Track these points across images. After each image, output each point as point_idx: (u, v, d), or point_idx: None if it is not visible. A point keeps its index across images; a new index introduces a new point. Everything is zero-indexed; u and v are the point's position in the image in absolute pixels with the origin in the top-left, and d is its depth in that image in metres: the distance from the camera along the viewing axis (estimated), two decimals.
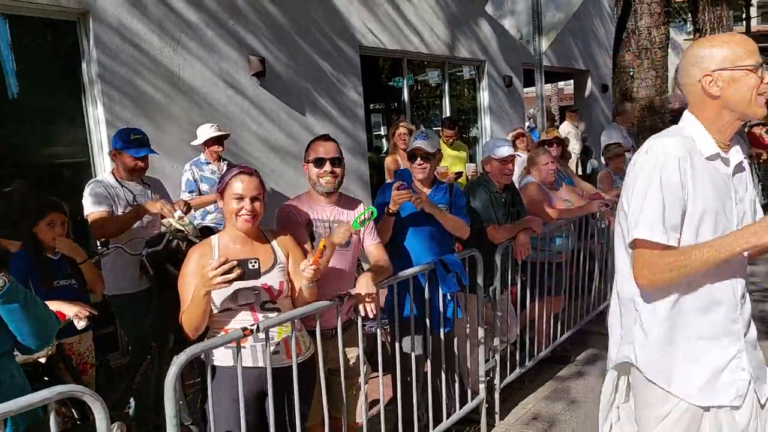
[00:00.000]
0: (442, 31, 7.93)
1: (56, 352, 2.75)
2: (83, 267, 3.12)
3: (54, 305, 2.45)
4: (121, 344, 4.64)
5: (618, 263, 1.90)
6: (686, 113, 1.83)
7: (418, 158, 3.20)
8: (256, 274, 2.12)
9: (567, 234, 4.39)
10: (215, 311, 2.26)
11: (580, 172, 9.39)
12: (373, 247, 2.86)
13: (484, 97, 8.84)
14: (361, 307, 2.52)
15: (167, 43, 5.01)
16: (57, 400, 1.65)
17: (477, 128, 8.95)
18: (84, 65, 4.62)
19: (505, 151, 3.75)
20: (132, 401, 3.24)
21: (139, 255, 3.15)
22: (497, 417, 3.64)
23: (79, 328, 2.73)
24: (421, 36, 7.60)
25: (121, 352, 4.63)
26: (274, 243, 2.44)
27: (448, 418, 3.28)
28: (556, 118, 11.30)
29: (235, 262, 2.06)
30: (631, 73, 7.77)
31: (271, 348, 2.26)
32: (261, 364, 2.27)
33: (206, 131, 4.77)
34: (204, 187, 4.62)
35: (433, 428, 3.19)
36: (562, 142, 5.48)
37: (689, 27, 16.64)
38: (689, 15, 14.11)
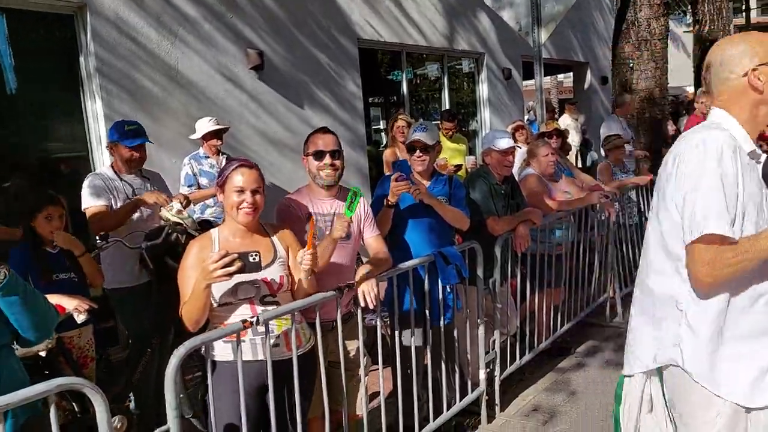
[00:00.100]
0: (441, 24, 7.90)
1: (56, 346, 2.76)
2: (82, 260, 3.12)
3: (53, 298, 2.45)
4: (121, 338, 4.64)
5: (653, 262, 1.84)
6: (716, 110, 1.81)
7: (417, 150, 3.19)
8: (257, 267, 2.12)
9: (567, 226, 4.39)
10: (215, 305, 2.26)
11: (579, 165, 9.38)
12: (372, 239, 2.86)
13: (483, 89, 8.82)
14: (361, 298, 2.53)
15: (165, 36, 4.99)
16: (57, 394, 1.65)
17: (476, 121, 8.94)
18: (82, 59, 4.61)
19: (505, 142, 3.74)
20: (132, 395, 3.25)
21: (139, 248, 3.15)
22: (497, 408, 3.64)
23: (78, 322, 2.73)
24: (419, 28, 7.57)
25: (121, 346, 4.63)
26: (274, 237, 2.44)
27: (448, 409, 3.28)
28: (556, 110, 11.27)
29: (236, 255, 2.06)
30: (631, 65, 7.75)
31: (271, 341, 2.26)
32: (261, 357, 2.27)
33: (205, 125, 4.75)
34: (203, 181, 4.61)
35: (434, 420, 3.20)
36: (562, 134, 5.47)
37: (689, 18, 16.59)
38: (688, 6, 14.06)
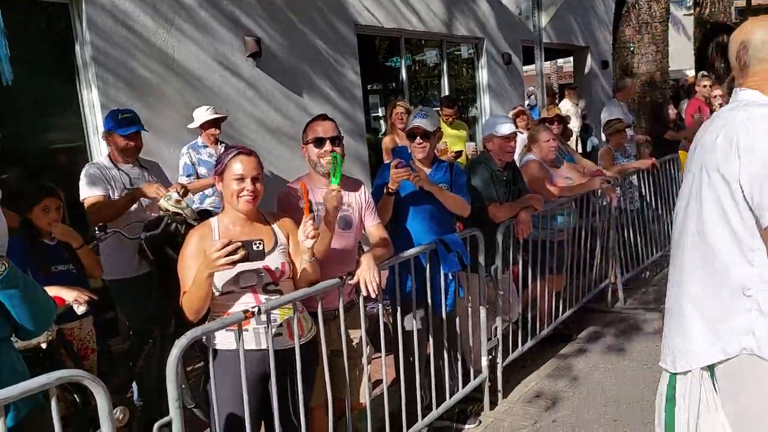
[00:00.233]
0: (439, 9, 7.82)
1: (56, 338, 2.74)
2: (80, 252, 3.09)
3: (53, 290, 2.44)
4: (121, 329, 4.64)
5: (717, 246, 1.72)
6: (746, 90, 1.74)
7: (418, 137, 3.15)
8: (261, 255, 2.09)
9: (568, 212, 4.37)
10: (217, 294, 2.24)
11: (580, 150, 9.33)
12: (373, 227, 2.84)
13: (483, 75, 8.75)
14: (363, 287, 2.51)
15: (161, 24, 4.93)
16: (58, 386, 1.64)
17: (476, 107, 8.88)
18: (77, 48, 4.56)
19: (507, 128, 3.71)
20: (135, 386, 3.24)
21: (138, 239, 3.13)
22: (500, 395, 3.64)
23: (78, 313, 2.72)
24: (417, 14, 7.49)
25: (122, 337, 4.62)
26: (274, 225, 2.42)
27: (451, 397, 3.28)
28: (557, 95, 11.19)
29: (239, 243, 2.03)
30: (632, 49, 7.67)
31: (273, 330, 2.25)
32: (263, 346, 2.25)
33: (203, 114, 4.71)
34: (202, 170, 4.58)
35: (436, 407, 3.20)
36: (564, 120, 5.44)
37: (689, 1, 16.45)
38: None
